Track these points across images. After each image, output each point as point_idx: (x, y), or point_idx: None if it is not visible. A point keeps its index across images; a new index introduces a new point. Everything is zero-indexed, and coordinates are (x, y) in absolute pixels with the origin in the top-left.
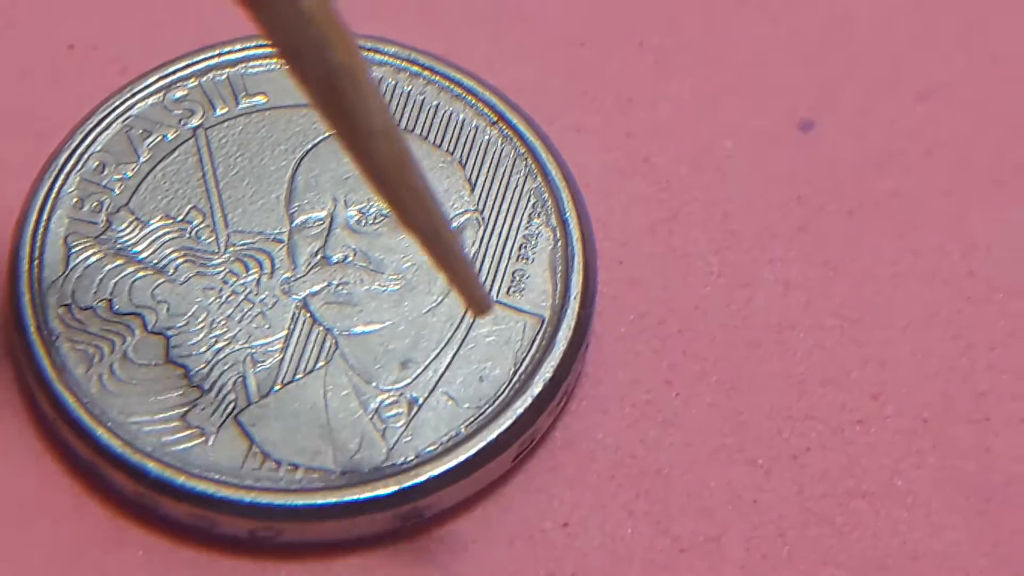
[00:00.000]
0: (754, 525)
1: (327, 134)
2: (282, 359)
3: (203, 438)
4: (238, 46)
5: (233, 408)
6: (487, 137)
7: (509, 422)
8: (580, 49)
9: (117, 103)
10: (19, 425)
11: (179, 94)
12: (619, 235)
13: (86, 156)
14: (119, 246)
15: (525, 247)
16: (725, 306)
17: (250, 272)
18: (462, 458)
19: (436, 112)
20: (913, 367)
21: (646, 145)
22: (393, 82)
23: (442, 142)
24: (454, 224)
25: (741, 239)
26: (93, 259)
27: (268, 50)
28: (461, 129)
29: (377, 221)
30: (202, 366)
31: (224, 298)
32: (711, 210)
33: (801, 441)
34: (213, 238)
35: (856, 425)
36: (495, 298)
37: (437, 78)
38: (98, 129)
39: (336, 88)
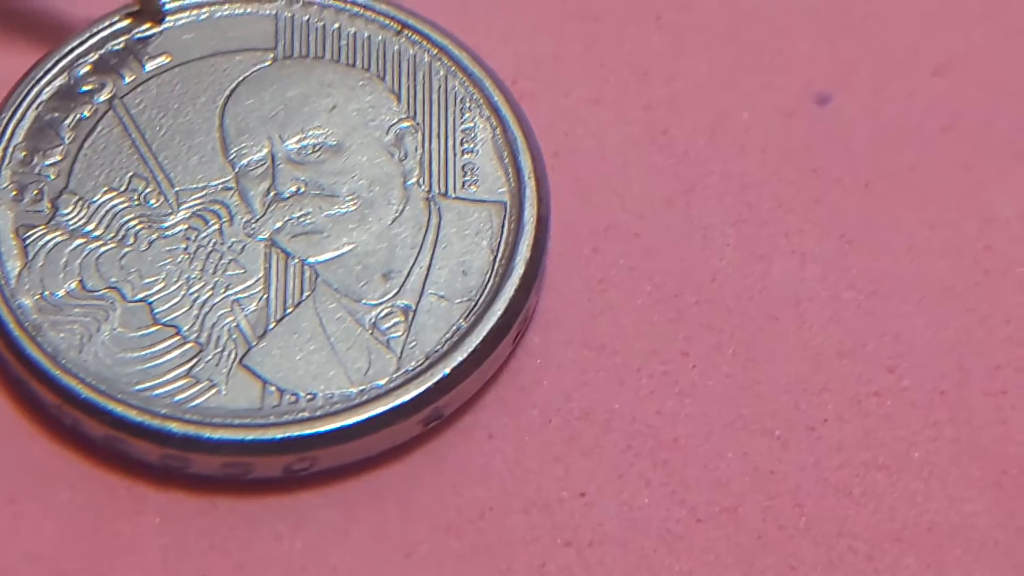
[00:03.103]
0: (771, 496)
1: (241, 78)
2: (268, 298)
3: (215, 389)
4: (125, 10)
5: (235, 354)
6: (397, 48)
7: (504, 306)
8: (595, 24)
9: (23, 93)
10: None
11: (83, 71)
12: (636, 207)
13: (10, 149)
14: (72, 228)
15: (466, 141)
16: (742, 278)
17: (210, 224)
18: (470, 349)
19: (340, 35)
20: (929, 340)
21: (664, 117)
22: (289, 15)
23: (355, 61)
24: (391, 136)
25: (758, 211)
26: (52, 245)
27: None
28: (369, 45)
29: (317, 149)
30: (192, 322)
31: (192, 254)
32: (728, 182)
33: (818, 412)
34: (162, 200)
35: (872, 397)
36: (453, 196)
37: (331, 1)
38: (13, 122)
39: None
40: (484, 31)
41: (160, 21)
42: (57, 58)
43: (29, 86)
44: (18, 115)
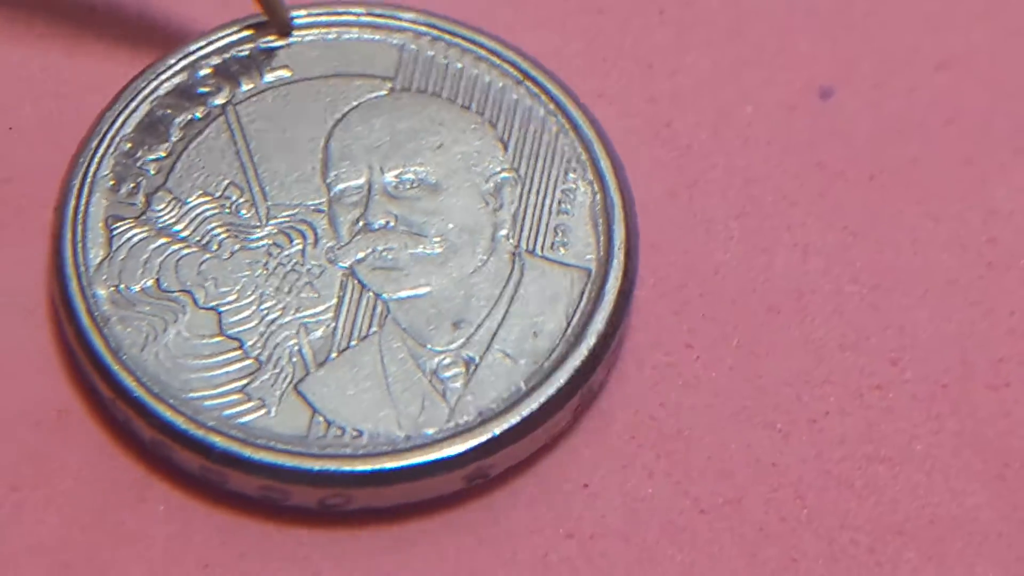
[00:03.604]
0: (773, 488)
1: (356, 103)
2: (335, 327)
3: (265, 409)
4: (256, 20)
5: (292, 378)
6: (515, 96)
7: (568, 375)
8: (599, 16)
9: (142, 85)
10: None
11: (203, 72)
12: (640, 200)
13: (117, 139)
14: (161, 225)
15: (564, 202)
16: (745, 271)
17: (294, 243)
18: (525, 413)
19: (462, 75)
20: (932, 332)
21: (667, 111)
22: (415, 47)
23: (471, 104)
24: (491, 184)
25: (761, 204)
26: (136, 239)
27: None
28: (488, 90)
29: (415, 186)
30: (256, 338)
31: (271, 270)
32: (731, 176)
33: (820, 405)
34: (253, 212)
35: (875, 390)
36: (539, 254)
37: (459, 41)
38: (126, 112)
39: None
40: (487, 24)
41: (288, 35)
42: (181, 55)
43: (149, 79)
44: (132, 106)
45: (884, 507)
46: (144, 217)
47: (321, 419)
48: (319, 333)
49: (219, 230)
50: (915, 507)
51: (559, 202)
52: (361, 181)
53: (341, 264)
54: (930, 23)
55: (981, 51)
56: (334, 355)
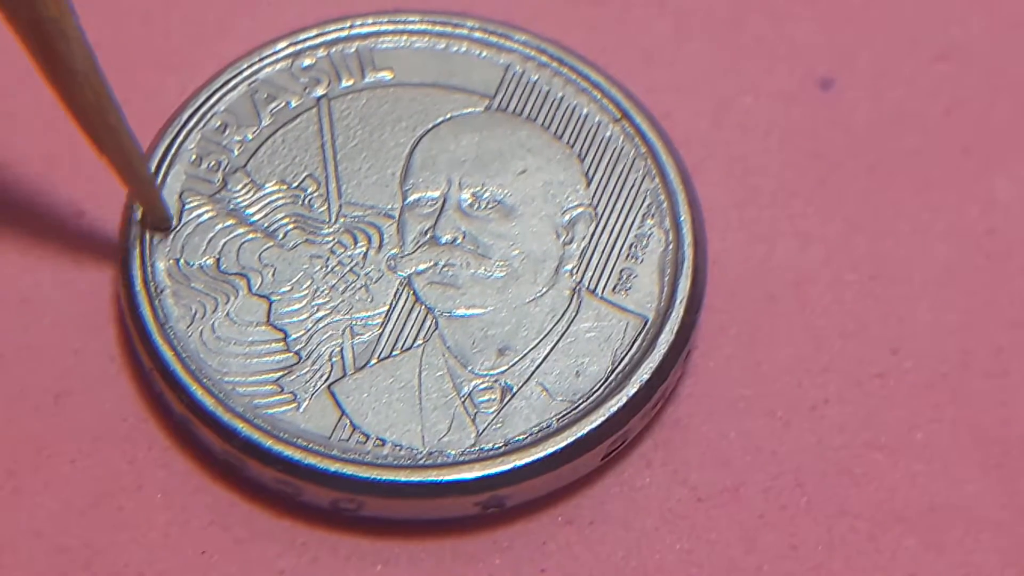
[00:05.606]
0: (772, 476)
1: (449, 116)
2: (381, 334)
3: (295, 404)
4: (371, 19)
5: (328, 378)
6: (609, 133)
7: (601, 420)
8: (598, 8)
9: (245, 66)
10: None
11: (307, 62)
12: None
13: (209, 115)
14: (232, 207)
15: (636, 247)
16: (744, 260)
17: (358, 245)
18: (550, 451)
19: (560, 104)
20: (932, 322)
21: (667, 101)
22: (520, 70)
23: (563, 134)
24: (566, 217)
25: (760, 194)
26: (206, 217)
27: (400, 27)
28: (583, 123)
29: (490, 206)
30: (301, 333)
31: (330, 268)
32: (731, 165)
33: (820, 393)
34: (325, 207)
35: (875, 378)
36: (600, 295)
37: (565, 70)
38: (224, 90)
39: (44, 35)
40: (485, 11)
41: (166, 231)
42: (288, 43)
43: (252, 61)
44: (231, 84)
45: (883, 494)
46: (218, 196)
47: (348, 422)
48: (364, 337)
49: (287, 220)
50: (914, 495)
51: (631, 246)
52: (437, 193)
53: (400, 273)
54: (929, 13)
55: (981, 41)
56: (374, 361)
